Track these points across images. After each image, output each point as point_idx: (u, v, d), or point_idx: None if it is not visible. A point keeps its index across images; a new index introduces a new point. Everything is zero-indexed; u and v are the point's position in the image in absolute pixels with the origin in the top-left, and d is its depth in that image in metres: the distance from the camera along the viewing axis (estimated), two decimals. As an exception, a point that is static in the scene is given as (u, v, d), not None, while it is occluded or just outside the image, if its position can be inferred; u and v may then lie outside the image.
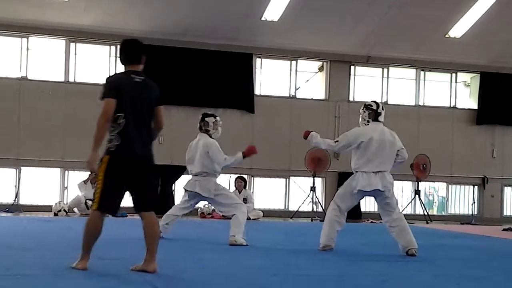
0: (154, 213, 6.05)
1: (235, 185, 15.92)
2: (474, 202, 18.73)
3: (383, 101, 17.84)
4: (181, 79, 16.62)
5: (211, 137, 9.23)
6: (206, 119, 9.32)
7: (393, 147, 8.27)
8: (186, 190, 9.49)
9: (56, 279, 5.39)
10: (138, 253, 7.34)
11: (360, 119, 8.47)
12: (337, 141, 8.50)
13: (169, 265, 6.61)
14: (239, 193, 15.61)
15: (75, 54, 16.41)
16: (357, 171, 8.26)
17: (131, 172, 5.79)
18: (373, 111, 8.35)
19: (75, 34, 16.17)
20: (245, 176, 16.20)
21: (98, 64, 16.69)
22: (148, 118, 5.87)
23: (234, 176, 16.11)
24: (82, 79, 16.28)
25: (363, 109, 8.45)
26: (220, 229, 11.86)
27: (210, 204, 16.85)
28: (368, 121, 8.36)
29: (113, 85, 5.77)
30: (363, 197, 8.48)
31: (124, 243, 8.73)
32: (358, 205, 15.14)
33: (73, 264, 5.80)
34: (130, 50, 5.96)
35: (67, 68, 16.28)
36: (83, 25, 15.82)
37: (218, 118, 9.41)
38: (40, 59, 16.29)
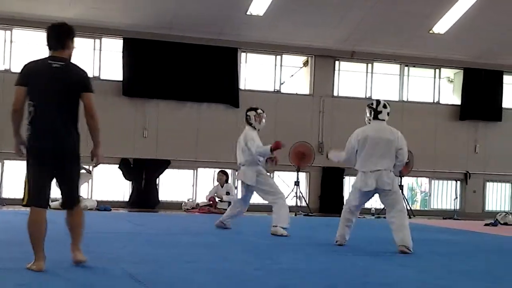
0: (78, 206, 5.77)
1: (217, 179, 15.93)
2: (456, 197, 18.89)
3: (367, 96, 17.93)
4: (166, 73, 16.61)
5: (255, 129, 10.10)
6: (248, 113, 10.21)
7: (390, 145, 8.24)
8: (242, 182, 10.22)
9: (40, 273, 5.38)
10: (124, 248, 7.37)
11: (366, 119, 8.53)
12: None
13: (152, 259, 6.63)
14: (221, 187, 15.62)
15: (59, 47, 16.31)
16: (358, 171, 8.35)
17: (48, 164, 5.48)
18: (372, 110, 8.39)
19: (60, 27, 16.06)
20: (229, 171, 16.21)
21: (83, 57, 16.61)
22: (67, 105, 5.52)
23: (217, 170, 16.12)
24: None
25: (367, 108, 8.52)
26: (204, 223, 11.90)
27: (192, 199, 16.92)
28: (370, 120, 8.42)
29: (25, 72, 5.56)
30: (369, 195, 8.48)
31: (109, 237, 8.73)
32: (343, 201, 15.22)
33: (28, 265, 5.47)
34: (53, 35, 5.66)
35: (51, 61, 16.20)
36: (68, 18, 15.68)
37: (259, 110, 10.19)
38: (24, 52, 16.20)
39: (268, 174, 10.36)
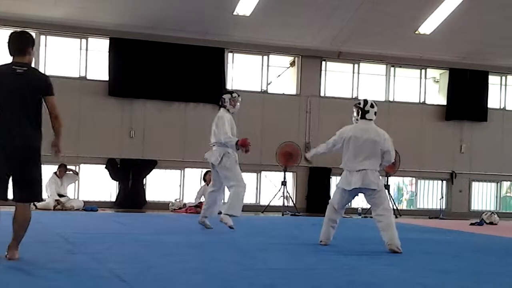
0: (28, 205, 6.17)
1: (204, 179, 15.91)
2: (442, 197, 18.98)
3: (353, 97, 17.98)
4: (152, 73, 16.58)
5: (229, 111, 10.16)
6: (223, 96, 10.28)
7: (375, 146, 8.23)
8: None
9: (24, 274, 5.37)
10: (110, 248, 7.35)
11: (353, 118, 8.53)
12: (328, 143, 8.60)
13: (139, 259, 6.62)
14: (208, 186, 15.58)
15: (45, 46, 16.27)
16: (343, 170, 8.37)
17: (9, 161, 5.84)
18: (360, 109, 8.38)
19: (46, 27, 16.03)
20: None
21: (69, 57, 16.58)
22: (31, 108, 5.92)
23: (205, 170, 16.10)
24: (53, 72, 16.12)
25: (354, 108, 8.52)
26: (191, 223, 11.89)
27: (179, 199, 16.90)
28: (357, 120, 8.42)
29: None
30: (354, 194, 8.50)
31: (95, 237, 8.70)
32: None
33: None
34: (15, 42, 6.11)
35: (37, 61, 16.12)
36: (54, 17, 15.69)
37: (235, 94, 10.26)
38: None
39: (237, 161, 10.31)
